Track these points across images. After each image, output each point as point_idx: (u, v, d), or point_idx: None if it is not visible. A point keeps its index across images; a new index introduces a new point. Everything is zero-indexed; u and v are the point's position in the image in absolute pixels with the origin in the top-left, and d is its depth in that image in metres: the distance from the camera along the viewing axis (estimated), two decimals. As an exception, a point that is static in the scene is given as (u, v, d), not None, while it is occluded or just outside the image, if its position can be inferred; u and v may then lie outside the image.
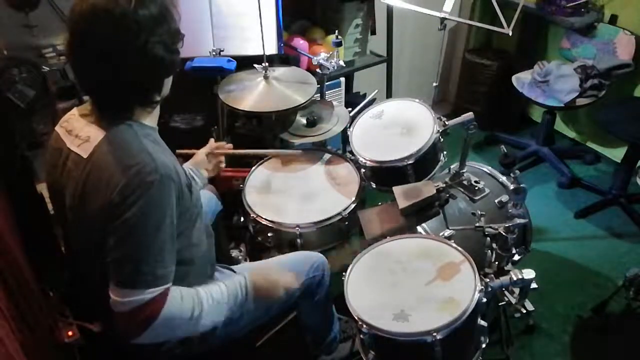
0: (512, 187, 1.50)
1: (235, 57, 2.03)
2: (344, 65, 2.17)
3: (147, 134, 1.19)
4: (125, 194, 1.08)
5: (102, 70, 1.10)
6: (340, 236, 1.83)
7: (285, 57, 2.32)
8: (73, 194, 1.20)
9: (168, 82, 1.23)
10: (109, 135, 1.15)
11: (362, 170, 1.91)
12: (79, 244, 1.30)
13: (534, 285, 1.45)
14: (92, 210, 1.14)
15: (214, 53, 2.06)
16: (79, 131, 1.20)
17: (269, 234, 1.77)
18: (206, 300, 1.22)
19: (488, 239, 1.60)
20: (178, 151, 1.74)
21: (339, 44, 2.05)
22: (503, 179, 1.93)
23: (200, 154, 1.72)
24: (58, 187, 1.25)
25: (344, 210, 1.78)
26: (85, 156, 1.16)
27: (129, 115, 1.19)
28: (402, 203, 1.59)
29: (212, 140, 1.79)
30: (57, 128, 1.26)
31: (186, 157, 1.73)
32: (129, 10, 1.06)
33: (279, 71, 2.07)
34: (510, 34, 1.73)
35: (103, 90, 1.16)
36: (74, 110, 1.27)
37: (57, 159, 1.23)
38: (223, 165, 1.77)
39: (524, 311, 1.73)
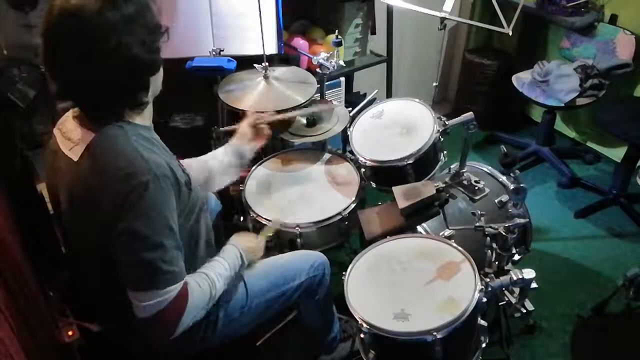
0: (512, 187, 1.50)
1: (235, 57, 2.03)
2: (344, 65, 2.17)
3: (139, 134, 1.16)
4: (123, 197, 1.07)
5: (76, 73, 1.08)
6: (340, 236, 1.83)
7: (285, 57, 2.32)
8: (66, 197, 1.19)
9: (155, 80, 1.20)
10: (97, 137, 1.13)
11: (362, 170, 1.91)
12: (77, 244, 1.29)
13: (534, 285, 1.45)
14: (87, 214, 1.14)
15: (214, 53, 2.06)
16: (70, 134, 1.19)
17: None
18: (216, 278, 1.29)
19: (488, 238, 1.60)
20: (221, 129, 1.84)
21: (339, 44, 2.05)
22: (503, 178, 1.92)
23: (244, 127, 1.72)
24: (55, 188, 1.25)
25: (344, 210, 1.78)
26: (75, 159, 1.15)
27: (118, 116, 1.16)
28: (402, 203, 1.59)
29: (248, 112, 1.78)
30: (54, 129, 1.25)
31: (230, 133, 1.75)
32: (96, 13, 1.04)
33: (279, 71, 2.06)
34: (510, 33, 1.73)
35: (82, 94, 1.14)
36: (70, 112, 1.25)
37: (53, 160, 1.23)
38: (268, 132, 1.76)
39: (524, 311, 1.73)
